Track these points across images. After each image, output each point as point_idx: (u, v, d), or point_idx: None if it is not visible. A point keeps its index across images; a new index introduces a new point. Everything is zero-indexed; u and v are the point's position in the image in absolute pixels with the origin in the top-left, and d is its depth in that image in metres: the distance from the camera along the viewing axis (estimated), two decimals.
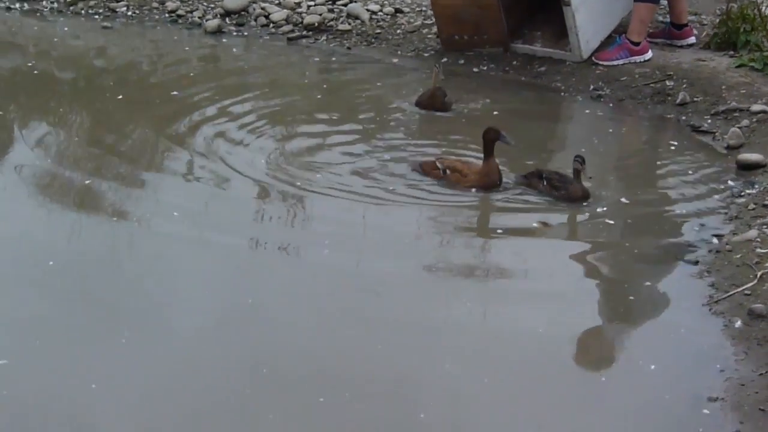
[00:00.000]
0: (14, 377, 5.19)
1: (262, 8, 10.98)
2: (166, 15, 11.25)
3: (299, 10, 10.92)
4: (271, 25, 10.86)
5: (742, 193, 7.25)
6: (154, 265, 6.37)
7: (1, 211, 7.00)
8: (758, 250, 6.35)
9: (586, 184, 7.13)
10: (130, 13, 11.35)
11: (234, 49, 10.50)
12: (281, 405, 5.09)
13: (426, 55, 10.09)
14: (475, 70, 9.71)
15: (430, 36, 10.28)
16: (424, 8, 10.79)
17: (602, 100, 9.05)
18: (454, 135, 8.36)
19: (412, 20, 10.67)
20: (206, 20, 10.91)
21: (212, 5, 11.23)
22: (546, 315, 5.89)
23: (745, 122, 8.26)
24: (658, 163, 7.97)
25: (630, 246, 6.68)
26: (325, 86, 9.48)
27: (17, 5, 11.65)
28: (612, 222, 6.92)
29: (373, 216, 6.95)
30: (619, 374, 5.43)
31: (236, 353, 5.48)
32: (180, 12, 11.19)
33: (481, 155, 7.30)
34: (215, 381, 5.22)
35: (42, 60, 10.18)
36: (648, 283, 6.27)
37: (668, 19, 9.93)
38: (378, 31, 10.56)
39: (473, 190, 7.25)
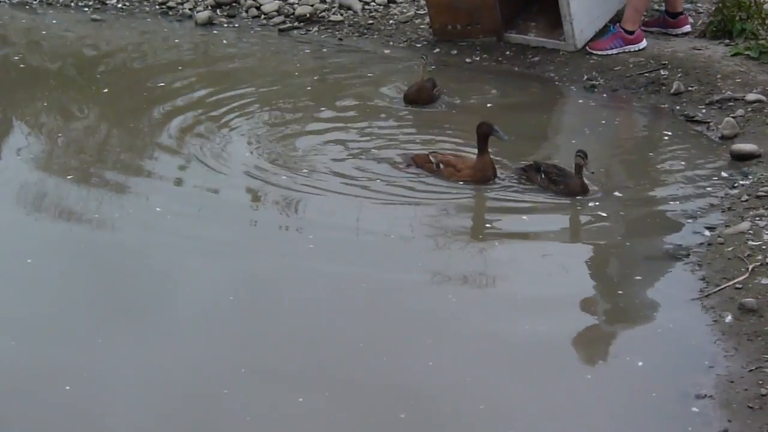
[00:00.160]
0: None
1: None
2: (157, 7, 11.16)
3: (291, 0, 10.81)
4: (263, 16, 10.76)
5: (736, 184, 7.15)
6: (142, 263, 6.29)
7: None
8: (750, 242, 6.25)
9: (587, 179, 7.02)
10: (120, 5, 11.26)
11: (224, 41, 10.40)
12: (260, 403, 4.99)
13: (418, 45, 9.98)
14: (468, 60, 9.60)
15: (423, 26, 10.18)
16: None
17: (596, 90, 8.93)
18: (447, 130, 8.26)
19: (405, 10, 10.55)
20: (197, 12, 10.78)
21: None
22: (535, 311, 5.83)
23: (739, 112, 8.15)
24: (651, 154, 7.86)
25: (622, 240, 6.59)
26: (315, 77, 9.40)
27: None
28: (604, 215, 6.83)
29: (362, 214, 6.85)
30: (606, 371, 5.35)
31: (217, 352, 5.42)
32: (170, 4, 11.11)
33: (475, 148, 7.17)
34: (197, 380, 5.14)
35: (30, 53, 10.09)
36: (638, 278, 6.18)
37: (663, 8, 9.75)
38: (370, 21, 10.45)
39: (461, 183, 7.11)
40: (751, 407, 4.85)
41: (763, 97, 8.24)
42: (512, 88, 9.10)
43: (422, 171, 7.32)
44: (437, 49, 9.80)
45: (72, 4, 11.39)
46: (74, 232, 6.67)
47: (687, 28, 9.65)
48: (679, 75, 8.83)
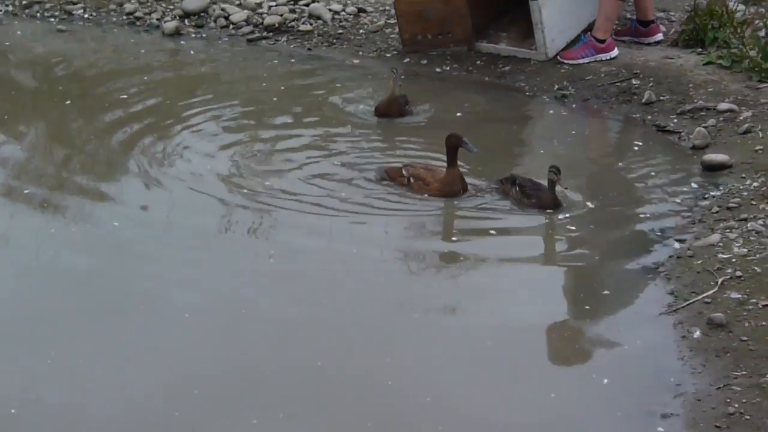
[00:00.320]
0: None
1: (222, 9, 10.74)
2: (124, 17, 11.01)
3: (260, 10, 10.69)
4: (231, 26, 10.61)
5: (707, 195, 7.05)
6: (96, 283, 6.16)
7: None
8: (720, 255, 6.14)
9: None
10: (86, 16, 11.10)
11: (191, 51, 10.26)
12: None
13: (388, 55, 9.85)
14: (438, 70, 9.48)
15: (393, 36, 10.05)
16: (387, 7, 10.55)
17: (567, 100, 8.82)
18: (416, 142, 8.13)
19: (375, 20, 10.43)
20: (164, 22, 10.62)
21: (171, 7, 10.99)
22: (499, 327, 5.71)
23: (711, 121, 8.05)
24: (622, 164, 7.76)
25: (591, 254, 6.48)
26: (283, 88, 9.25)
27: None
28: (574, 228, 6.73)
29: (326, 229, 6.72)
30: (571, 390, 5.21)
31: (181, 366, 5.31)
32: (138, 14, 10.94)
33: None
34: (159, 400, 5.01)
35: None
36: (606, 292, 6.07)
37: (635, 17, 9.65)
38: (340, 31, 10.32)
39: (428, 196, 7.03)
40: (718, 426, 4.74)
41: (734, 107, 8.14)
42: (483, 98, 8.98)
43: (394, 184, 7.15)
44: (407, 59, 9.68)
45: (38, 14, 11.23)
46: (26, 251, 6.46)
47: (659, 36, 9.54)
48: (651, 84, 8.72)
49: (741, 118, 7.98)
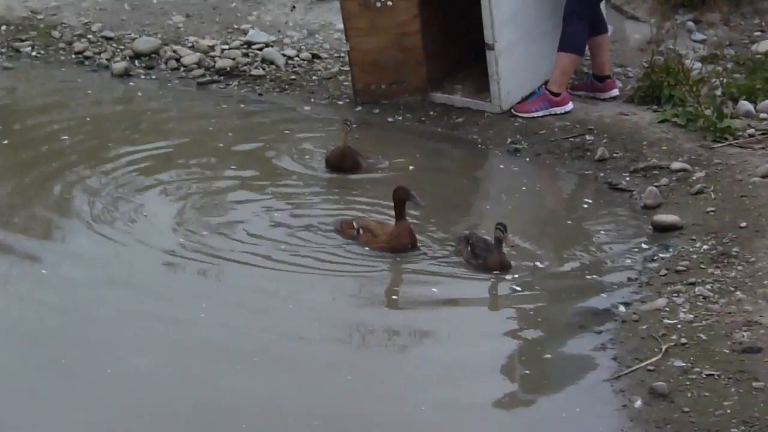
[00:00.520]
0: None
1: (174, 51, 10.53)
2: (73, 56, 10.76)
3: (212, 53, 10.49)
4: (182, 68, 10.41)
5: (655, 257, 6.90)
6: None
7: None
8: (666, 320, 5.98)
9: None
10: (34, 54, 10.85)
11: (139, 93, 10.04)
12: None
13: (340, 103, 9.68)
14: (390, 119, 9.31)
15: (346, 83, 9.87)
16: (342, 54, 10.37)
17: (519, 154, 8.66)
18: (367, 195, 7.94)
19: (329, 66, 10.27)
20: (114, 63, 10.40)
21: (121, 47, 10.76)
22: (431, 392, 5.53)
23: (664, 180, 7.91)
24: (572, 222, 7.60)
25: (534, 315, 6.31)
26: (230, 135, 9.03)
27: None
28: (519, 289, 6.55)
29: (264, 284, 6.56)
30: None
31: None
32: (87, 53, 10.72)
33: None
34: None
35: None
36: (547, 356, 5.88)
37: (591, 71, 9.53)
38: (293, 77, 10.15)
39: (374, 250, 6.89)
40: None
41: (688, 166, 8.01)
42: (434, 150, 8.83)
43: (344, 237, 7.03)
44: (359, 108, 9.52)
45: None
46: None
47: (615, 92, 9.41)
48: (605, 141, 8.59)
49: (694, 178, 7.84)
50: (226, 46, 10.61)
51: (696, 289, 6.28)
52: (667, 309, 6.11)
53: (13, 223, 7.33)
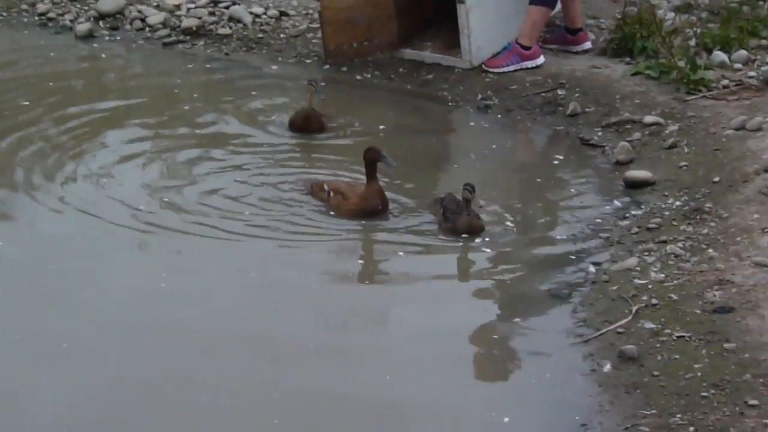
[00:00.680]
0: None
1: (139, 11, 10.31)
2: (36, 18, 10.51)
3: (178, 12, 10.27)
4: (147, 29, 10.19)
5: (627, 215, 6.77)
6: None
7: None
8: (636, 281, 5.86)
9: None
10: None
11: (103, 55, 9.84)
12: None
13: (308, 61, 9.49)
14: (359, 77, 9.14)
15: (315, 41, 9.68)
16: (310, 11, 10.17)
17: (490, 110, 8.50)
18: (337, 156, 7.78)
19: (297, 24, 10.07)
20: (77, 24, 10.17)
21: (85, 8, 10.53)
22: (396, 360, 5.41)
23: (636, 135, 7.76)
24: (542, 180, 7.46)
25: (503, 279, 6.21)
26: (195, 95, 8.86)
27: None
28: (488, 251, 6.43)
29: (224, 254, 6.41)
30: (466, 428, 4.87)
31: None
32: (51, 15, 10.48)
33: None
34: None
35: None
36: (517, 320, 5.76)
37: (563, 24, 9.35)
38: (260, 35, 9.94)
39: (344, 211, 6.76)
40: None
41: (661, 120, 7.86)
42: (405, 109, 8.66)
43: (316, 200, 6.91)
44: (327, 66, 9.31)
45: None
46: None
47: (587, 45, 9.24)
48: (577, 95, 8.43)
49: (667, 131, 7.71)
50: (192, 5, 10.38)
51: (667, 248, 6.16)
52: (638, 269, 5.99)
53: None
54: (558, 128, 8.20)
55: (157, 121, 8.34)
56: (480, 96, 8.69)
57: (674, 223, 6.48)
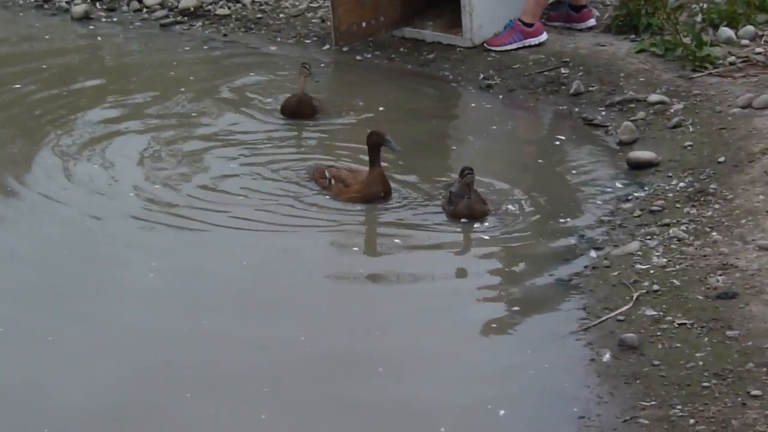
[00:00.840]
0: None
1: None
2: (32, 0, 10.33)
3: None
4: (145, 10, 10.08)
5: (630, 197, 6.63)
6: None
7: None
8: (638, 266, 5.72)
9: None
10: None
11: (99, 37, 9.72)
12: None
13: (307, 41, 9.35)
14: (359, 58, 8.99)
15: (314, 21, 9.55)
16: None
17: (492, 90, 8.34)
18: (333, 141, 7.64)
19: (297, 3, 9.91)
20: (74, 5, 10.02)
21: None
22: (393, 353, 5.27)
23: (641, 114, 7.61)
24: (543, 161, 7.34)
25: (503, 265, 6.08)
26: (192, 78, 8.72)
27: None
28: (487, 238, 6.31)
29: (234, 244, 6.25)
30: (461, 422, 4.74)
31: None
32: None
33: None
34: None
35: None
36: (516, 308, 5.62)
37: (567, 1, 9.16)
38: (259, 15, 9.79)
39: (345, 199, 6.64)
40: None
41: (666, 98, 7.69)
42: (404, 89, 8.51)
43: (318, 186, 6.77)
44: (326, 46, 9.17)
45: None
46: None
47: (591, 22, 9.06)
48: (581, 74, 8.27)
49: (671, 110, 7.56)
50: None
51: (670, 231, 6.02)
52: (640, 253, 5.85)
53: None
54: (561, 108, 8.05)
55: (154, 104, 8.23)
56: (482, 75, 8.53)
57: (678, 205, 6.33)
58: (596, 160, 7.26)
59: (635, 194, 6.63)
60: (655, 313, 5.28)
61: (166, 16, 9.93)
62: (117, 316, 5.51)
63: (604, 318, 5.34)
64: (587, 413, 4.70)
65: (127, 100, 8.26)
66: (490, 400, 4.87)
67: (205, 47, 9.42)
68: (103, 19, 10.04)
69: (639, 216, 6.32)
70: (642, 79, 8.04)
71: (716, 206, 6.21)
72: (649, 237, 6.02)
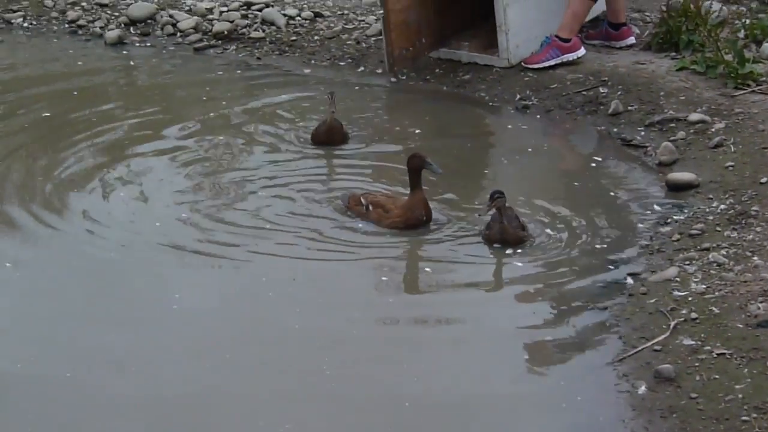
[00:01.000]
0: None
1: (170, 16, 10.10)
2: (66, 25, 10.36)
3: (210, 16, 10.03)
4: (179, 34, 10.00)
5: (668, 220, 6.43)
6: None
7: None
8: (676, 293, 5.53)
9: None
10: (26, 24, 10.45)
11: (131, 62, 9.64)
12: None
13: (342, 63, 9.23)
14: (393, 80, 8.87)
15: (349, 42, 9.43)
16: (345, 11, 9.93)
17: (529, 111, 8.17)
18: (370, 166, 7.47)
19: (332, 25, 9.79)
20: (108, 30, 9.96)
21: (116, 14, 10.34)
22: (422, 381, 5.14)
23: (681, 134, 7.41)
24: (579, 184, 7.15)
25: (536, 292, 5.89)
26: (223, 102, 8.58)
27: None
28: (520, 264, 6.11)
29: (251, 274, 6.11)
30: None
31: None
32: (81, 22, 10.31)
33: None
34: None
35: None
36: (548, 338, 5.45)
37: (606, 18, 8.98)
38: (293, 38, 9.68)
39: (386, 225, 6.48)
40: None
41: (707, 117, 7.50)
42: (439, 111, 8.39)
43: (353, 214, 6.61)
44: (361, 68, 9.07)
45: None
46: None
47: (631, 40, 8.87)
48: (620, 93, 8.08)
49: (713, 130, 7.36)
50: (225, 8, 10.14)
51: (710, 256, 5.83)
52: (678, 279, 5.66)
53: (23, 192, 7.05)
54: (599, 128, 7.87)
55: (181, 129, 8.09)
56: (518, 96, 8.37)
57: (718, 228, 6.14)
58: (634, 182, 7.07)
59: (674, 217, 6.45)
60: (693, 342, 5.10)
61: (200, 40, 9.85)
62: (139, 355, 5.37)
63: (640, 348, 5.16)
64: None
65: (156, 124, 8.15)
66: None
67: (239, 71, 9.32)
68: (137, 44, 9.98)
69: (678, 240, 6.14)
70: (682, 98, 7.85)
71: (758, 229, 6.02)
72: (687, 262, 5.83)
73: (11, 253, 6.32)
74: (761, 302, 5.28)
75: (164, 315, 5.67)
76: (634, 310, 5.51)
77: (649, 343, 5.19)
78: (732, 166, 6.84)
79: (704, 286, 5.54)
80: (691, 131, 7.45)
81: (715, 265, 5.75)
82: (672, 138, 7.42)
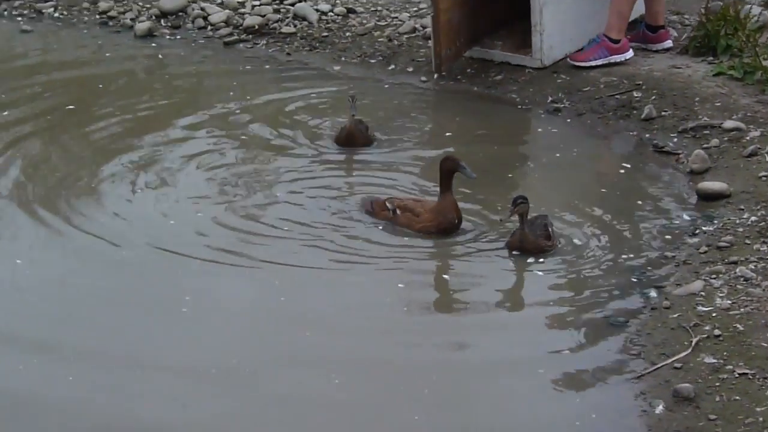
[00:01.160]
0: None
1: (202, 8, 9.98)
2: (97, 17, 10.28)
3: (242, 10, 9.91)
4: (209, 27, 9.88)
5: (697, 231, 6.24)
6: None
7: None
8: (700, 308, 5.35)
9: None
10: (57, 15, 10.39)
11: (160, 56, 9.54)
12: None
13: (372, 61, 9.09)
14: (424, 79, 8.70)
15: (381, 39, 9.28)
16: (379, 8, 9.76)
17: (560, 114, 7.99)
18: (401, 170, 7.28)
19: (365, 21, 9.63)
20: (138, 22, 9.87)
21: (147, 6, 10.23)
22: (435, 393, 5.00)
23: (714, 142, 7.20)
24: (607, 191, 6.97)
25: (555, 305, 5.72)
26: (248, 97, 8.44)
27: None
28: (540, 273, 5.96)
29: (270, 284, 5.95)
30: None
31: None
32: (112, 13, 10.22)
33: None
34: None
35: None
36: (565, 352, 5.29)
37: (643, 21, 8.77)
38: (325, 34, 9.53)
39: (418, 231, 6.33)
40: None
41: (742, 125, 7.29)
42: (469, 113, 8.18)
43: (377, 219, 6.45)
44: (392, 66, 8.90)
45: (5, 13, 10.51)
46: None
47: (668, 43, 8.66)
48: (654, 97, 7.87)
49: (748, 138, 7.16)
50: (257, 2, 10.01)
51: (737, 270, 5.65)
52: (703, 293, 5.49)
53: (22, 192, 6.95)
54: (631, 133, 7.68)
55: (204, 125, 7.99)
56: (550, 98, 8.19)
57: (747, 241, 5.95)
58: (664, 190, 6.89)
59: (703, 228, 6.27)
60: (714, 360, 4.93)
61: (231, 34, 9.73)
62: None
63: (659, 365, 5.01)
64: None
65: (180, 119, 8.03)
66: None
67: (267, 66, 9.18)
68: (167, 37, 9.88)
69: (705, 252, 5.96)
70: (718, 104, 7.65)
71: None
72: (714, 276, 5.65)
73: (22, 249, 6.20)
74: None
75: (173, 317, 5.52)
76: (655, 325, 5.35)
77: (669, 360, 5.03)
78: (766, 176, 6.66)
79: (729, 302, 5.37)
80: (725, 139, 7.26)
81: (742, 279, 5.57)
82: (705, 145, 7.23)
